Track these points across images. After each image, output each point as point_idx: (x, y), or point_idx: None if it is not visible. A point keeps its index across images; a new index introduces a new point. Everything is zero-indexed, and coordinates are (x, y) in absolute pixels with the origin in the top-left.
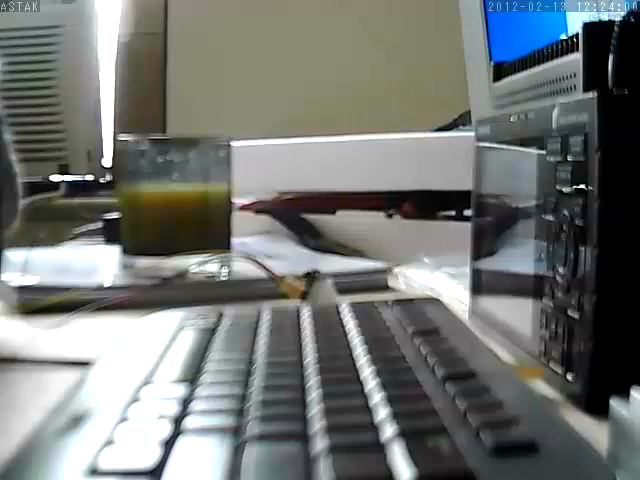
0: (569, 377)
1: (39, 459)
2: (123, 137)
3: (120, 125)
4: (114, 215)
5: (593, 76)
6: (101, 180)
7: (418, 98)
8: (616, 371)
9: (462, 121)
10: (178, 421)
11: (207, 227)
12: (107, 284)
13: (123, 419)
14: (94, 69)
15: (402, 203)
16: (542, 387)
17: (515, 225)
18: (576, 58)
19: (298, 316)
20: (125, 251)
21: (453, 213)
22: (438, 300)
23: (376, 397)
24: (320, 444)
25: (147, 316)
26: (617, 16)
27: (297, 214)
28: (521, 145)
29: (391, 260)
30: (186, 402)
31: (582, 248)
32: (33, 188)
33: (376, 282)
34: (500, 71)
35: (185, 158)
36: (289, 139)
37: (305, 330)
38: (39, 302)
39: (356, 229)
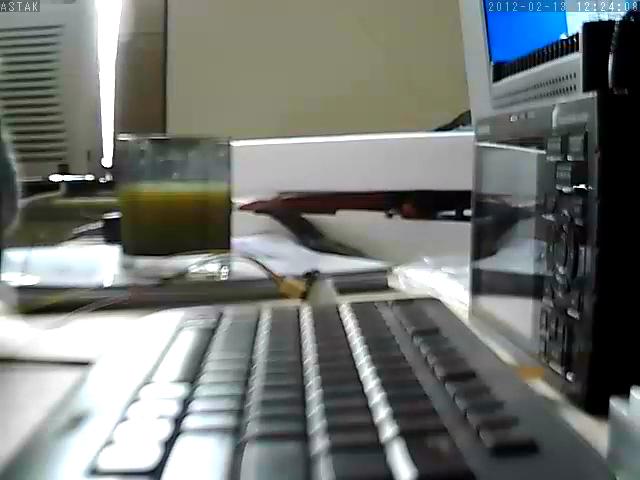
0: (569, 377)
1: (39, 459)
2: (123, 137)
3: (120, 125)
4: (114, 215)
5: (593, 76)
6: (101, 180)
7: (418, 98)
8: (616, 371)
9: (462, 121)
10: (178, 421)
11: (207, 227)
12: (107, 284)
13: (123, 419)
14: (94, 69)
15: (402, 203)
16: (542, 387)
17: (515, 225)
18: (576, 58)
19: (298, 316)
20: (125, 251)
21: (453, 213)
22: (438, 300)
23: (376, 397)
24: (320, 444)
25: (147, 316)
26: (617, 16)
27: (297, 214)
28: (521, 145)
29: (391, 260)
30: (186, 402)
31: (582, 248)
32: (33, 188)
33: (376, 282)
34: (500, 71)
35: (185, 158)
36: (289, 139)
37: (305, 330)
38: (39, 302)
39: (356, 229)
